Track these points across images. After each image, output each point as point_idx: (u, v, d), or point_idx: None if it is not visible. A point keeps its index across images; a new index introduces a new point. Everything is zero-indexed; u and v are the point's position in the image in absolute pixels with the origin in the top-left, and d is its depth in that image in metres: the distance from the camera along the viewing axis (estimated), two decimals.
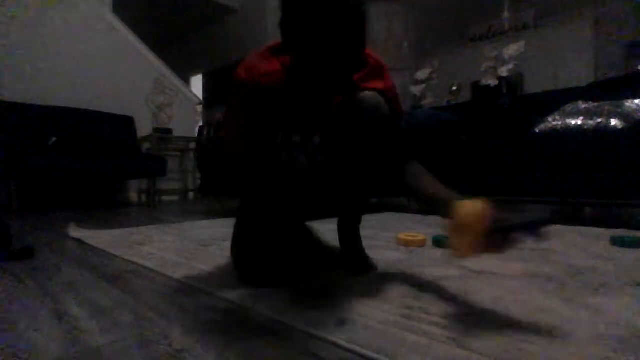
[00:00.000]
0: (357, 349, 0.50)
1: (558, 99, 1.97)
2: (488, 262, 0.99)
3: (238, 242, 0.83)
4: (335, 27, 0.59)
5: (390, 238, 1.38)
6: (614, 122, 1.70)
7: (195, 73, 6.29)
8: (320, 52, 0.61)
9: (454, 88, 4.98)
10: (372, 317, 0.61)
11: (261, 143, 0.79)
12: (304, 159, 0.82)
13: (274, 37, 4.40)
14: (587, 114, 1.80)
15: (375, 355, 0.48)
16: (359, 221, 0.97)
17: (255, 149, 0.80)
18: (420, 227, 1.65)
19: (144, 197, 3.77)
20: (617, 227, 1.60)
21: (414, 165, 0.80)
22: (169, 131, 3.90)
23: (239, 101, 0.77)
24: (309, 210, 0.96)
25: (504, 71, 3.70)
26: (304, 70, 0.67)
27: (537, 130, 1.92)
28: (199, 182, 4.25)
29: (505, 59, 3.76)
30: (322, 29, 0.59)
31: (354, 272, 0.88)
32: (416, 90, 4.50)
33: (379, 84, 0.78)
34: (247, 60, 0.76)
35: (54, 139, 2.96)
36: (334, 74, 0.65)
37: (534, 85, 4.98)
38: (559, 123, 1.87)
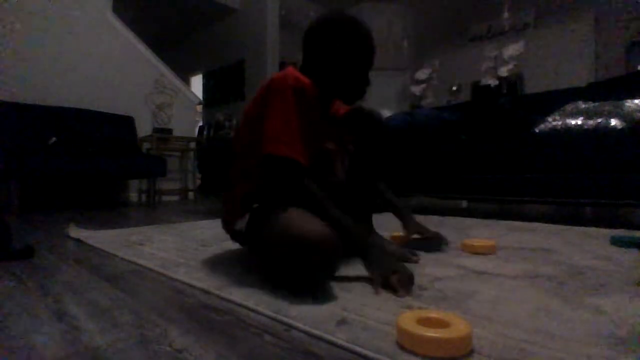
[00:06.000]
0: (357, 349, 0.50)
1: (558, 99, 1.97)
2: (488, 262, 1.00)
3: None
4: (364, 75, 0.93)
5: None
6: (614, 122, 1.70)
7: (195, 73, 6.29)
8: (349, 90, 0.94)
9: (454, 88, 4.98)
10: (372, 317, 0.61)
11: (309, 149, 0.83)
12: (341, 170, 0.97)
13: (273, 37, 4.37)
14: (587, 114, 1.80)
15: (375, 355, 0.48)
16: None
17: (302, 154, 0.80)
18: None
19: (144, 197, 3.77)
20: (617, 227, 1.60)
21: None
22: (169, 131, 3.90)
23: (288, 103, 0.80)
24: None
25: (504, 71, 3.70)
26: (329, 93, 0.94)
27: (537, 130, 1.92)
28: (199, 182, 4.26)
29: (505, 59, 3.76)
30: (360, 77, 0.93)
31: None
32: (416, 90, 4.50)
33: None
34: (285, 72, 0.84)
35: (54, 139, 2.97)
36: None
37: (534, 85, 4.98)
38: (559, 123, 1.87)
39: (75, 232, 1.59)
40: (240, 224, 0.94)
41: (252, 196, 0.92)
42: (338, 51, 0.88)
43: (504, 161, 2.00)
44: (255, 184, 0.91)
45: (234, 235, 1.03)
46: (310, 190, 0.79)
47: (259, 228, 0.85)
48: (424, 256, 1.07)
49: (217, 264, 1.00)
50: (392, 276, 0.73)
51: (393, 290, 0.71)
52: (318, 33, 0.90)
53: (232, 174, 0.99)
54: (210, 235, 1.50)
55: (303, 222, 0.72)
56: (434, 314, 0.54)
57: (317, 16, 0.94)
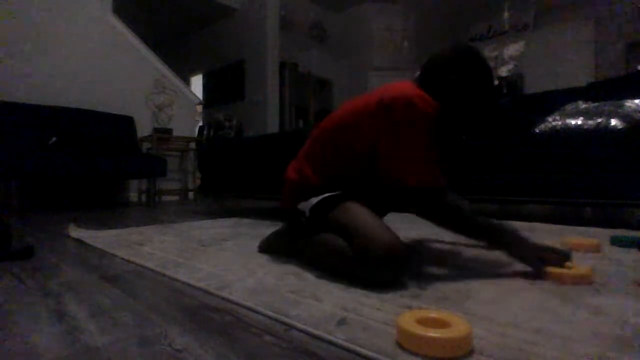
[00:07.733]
0: (357, 348, 0.50)
1: (558, 99, 1.97)
2: (488, 261, 0.99)
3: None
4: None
5: None
6: (614, 122, 1.69)
7: (195, 73, 6.29)
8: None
9: None
10: (372, 317, 0.61)
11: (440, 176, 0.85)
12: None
13: (273, 37, 4.36)
14: (587, 114, 1.80)
15: (375, 355, 0.48)
16: None
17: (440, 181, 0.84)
18: (422, 227, 1.65)
19: (144, 197, 3.77)
20: (617, 227, 1.60)
21: None
22: (169, 131, 3.90)
23: (423, 132, 0.81)
24: None
25: (504, 71, 3.69)
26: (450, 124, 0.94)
27: (537, 130, 1.92)
28: (199, 182, 4.26)
29: (505, 59, 3.75)
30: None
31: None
32: None
33: None
34: (416, 93, 0.83)
35: (54, 139, 2.97)
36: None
37: (534, 85, 4.98)
38: (559, 123, 1.86)
39: (75, 232, 1.59)
40: (304, 205, 0.99)
41: (327, 184, 0.97)
42: (487, 90, 0.93)
43: (504, 161, 2.00)
44: (331, 175, 0.97)
45: (290, 214, 1.07)
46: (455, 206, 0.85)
47: (335, 220, 0.91)
48: (424, 256, 1.07)
49: (217, 264, 1.00)
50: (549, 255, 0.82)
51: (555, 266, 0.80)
52: (469, 67, 0.89)
53: (308, 158, 1.03)
54: (210, 235, 1.50)
55: (376, 226, 0.80)
56: (434, 314, 0.54)
57: (458, 46, 0.93)
